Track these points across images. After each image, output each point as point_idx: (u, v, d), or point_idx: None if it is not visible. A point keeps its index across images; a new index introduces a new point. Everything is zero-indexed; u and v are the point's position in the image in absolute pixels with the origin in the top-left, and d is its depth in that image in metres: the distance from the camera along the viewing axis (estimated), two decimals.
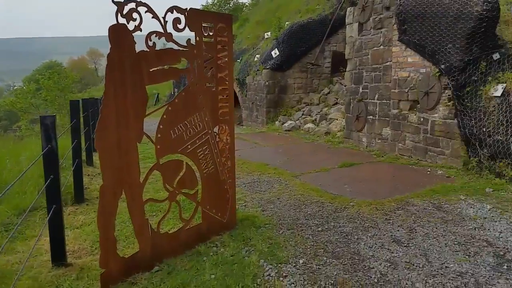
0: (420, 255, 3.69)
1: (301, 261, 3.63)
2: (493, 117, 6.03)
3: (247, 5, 37.89)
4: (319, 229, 4.42)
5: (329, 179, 6.56)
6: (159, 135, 3.62)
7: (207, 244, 3.99)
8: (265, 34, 16.89)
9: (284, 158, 8.38)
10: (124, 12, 3.17)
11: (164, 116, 3.66)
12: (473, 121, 6.21)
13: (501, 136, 5.75)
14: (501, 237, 3.95)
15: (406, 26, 7.42)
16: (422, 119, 7.22)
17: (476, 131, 6.10)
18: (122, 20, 3.14)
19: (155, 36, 3.46)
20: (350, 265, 3.56)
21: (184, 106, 3.83)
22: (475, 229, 4.20)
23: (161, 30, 3.46)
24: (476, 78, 6.41)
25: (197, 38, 3.87)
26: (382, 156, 8.02)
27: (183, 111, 3.81)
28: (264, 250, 3.84)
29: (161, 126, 3.64)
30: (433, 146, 6.97)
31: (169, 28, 3.53)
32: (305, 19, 14.77)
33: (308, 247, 3.95)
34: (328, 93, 13.74)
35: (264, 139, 11.36)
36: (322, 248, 3.90)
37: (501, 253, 3.64)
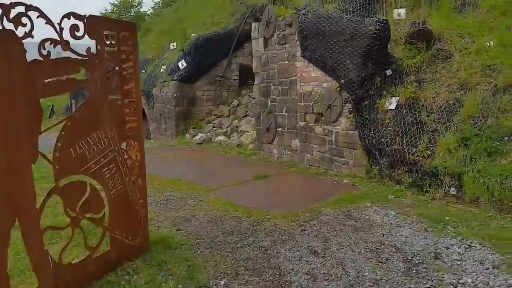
0: (337, 264, 3.87)
1: (222, 283, 3.56)
2: (389, 128, 6.63)
3: (149, 15, 36.93)
4: (238, 245, 4.40)
5: (244, 192, 6.60)
6: (57, 154, 3.27)
7: (118, 273, 3.71)
8: (171, 44, 16.57)
9: (197, 172, 8.24)
10: (11, 16, 2.83)
11: (63, 133, 3.33)
12: (372, 132, 6.76)
13: (397, 146, 6.33)
14: (407, 242, 4.31)
15: (308, 43, 7.85)
16: (327, 130, 7.66)
17: (376, 142, 6.64)
18: (9, 25, 2.81)
19: (50, 44, 3.15)
20: (272, 281, 3.59)
21: (86, 121, 3.53)
22: (383, 235, 4.53)
23: (57, 38, 3.17)
24: (372, 92, 7.00)
25: (98, 47, 3.62)
26: (293, 167, 8.33)
27: (85, 126, 3.52)
28: (182, 274, 3.69)
29: (59, 144, 3.29)
30: (338, 156, 7.43)
31: (67, 36, 3.26)
32: (211, 32, 14.83)
33: (229, 266, 3.90)
34: (238, 105, 13.93)
35: (174, 153, 11.07)
36: (243, 266, 3.88)
37: (409, 257, 3.97)
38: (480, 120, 5.81)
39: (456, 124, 5.98)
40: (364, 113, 6.98)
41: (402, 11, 7.69)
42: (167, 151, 11.35)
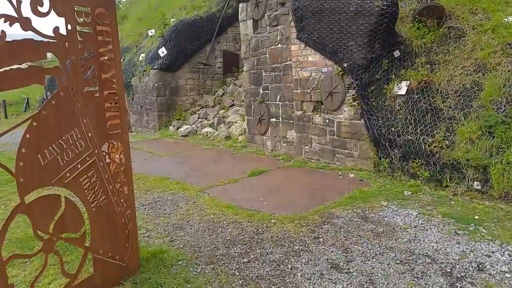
0: (366, 282, 3.21)
1: None
2: (400, 115, 5.99)
3: (123, 2, 35.41)
4: (245, 259, 3.71)
5: (241, 191, 5.89)
6: (21, 163, 2.55)
7: None
8: (149, 31, 15.55)
9: (186, 169, 7.48)
10: None
11: (27, 136, 2.59)
12: (380, 121, 6.11)
13: (411, 136, 5.70)
14: (440, 250, 3.69)
15: (304, 23, 7.11)
16: (327, 120, 6.98)
17: (385, 131, 6.00)
18: None
19: (4, 22, 2.37)
20: None
21: (56, 120, 2.78)
22: (410, 241, 3.90)
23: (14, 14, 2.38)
24: (379, 77, 6.34)
25: (69, 27, 2.84)
26: (290, 161, 7.64)
27: (55, 126, 2.77)
28: None
29: (23, 150, 2.56)
30: (341, 148, 6.77)
31: (28, 12, 2.47)
32: (191, 16, 13.91)
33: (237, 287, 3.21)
34: (223, 94, 13.13)
35: (159, 147, 10.25)
36: None
37: (448, 269, 3.34)
38: (504, 105, 5.22)
39: (476, 110, 5.38)
40: (371, 99, 6.32)
41: None
42: (152, 145, 10.52)
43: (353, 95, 6.52)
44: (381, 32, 6.11)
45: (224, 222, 4.62)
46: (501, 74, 5.53)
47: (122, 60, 16.22)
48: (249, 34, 8.63)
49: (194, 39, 13.51)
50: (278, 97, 8.03)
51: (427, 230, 4.13)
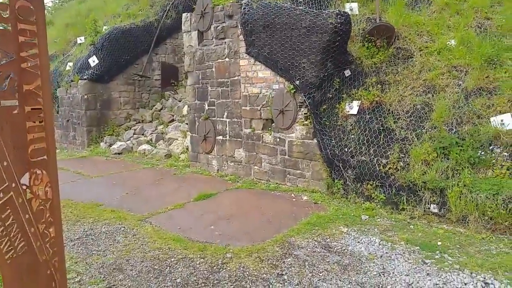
0: None
1: None
2: (353, 135, 5.84)
3: (48, 8, 33.03)
4: None
5: (189, 219, 5.32)
6: None
7: None
8: (78, 38, 14.39)
9: (122, 193, 6.72)
10: None
11: None
12: (333, 141, 5.92)
13: (364, 156, 5.55)
14: (413, 284, 3.44)
15: (254, 38, 6.80)
16: (278, 139, 6.67)
17: (338, 152, 5.81)
18: None
19: None
20: None
21: None
22: (380, 274, 3.62)
23: None
24: (331, 95, 6.18)
25: None
26: (238, 181, 7.20)
27: None
28: None
29: None
30: (293, 168, 6.48)
31: None
32: (127, 24, 13.08)
33: None
34: (161, 109, 12.40)
35: (89, 166, 9.27)
36: None
37: None
38: (455, 127, 5.25)
39: (429, 130, 5.37)
40: (323, 119, 6.12)
41: (355, 5, 7.00)
42: (80, 164, 9.50)
43: (305, 113, 6.28)
44: (334, 50, 5.95)
45: (173, 260, 4.04)
46: (450, 95, 5.60)
47: None
48: (193, 46, 8.13)
49: (130, 48, 12.69)
50: (226, 113, 7.60)
51: (393, 260, 3.90)
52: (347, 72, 6.26)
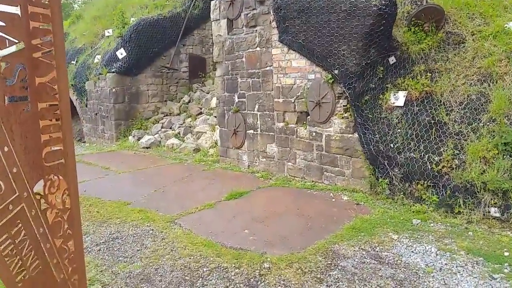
0: None
1: None
2: (399, 130, 5.29)
3: (78, 2, 33.41)
4: None
5: (221, 220, 4.95)
6: None
7: None
8: (106, 31, 14.27)
9: (150, 191, 6.43)
10: None
11: None
12: (377, 136, 5.39)
13: (414, 153, 5.01)
14: None
15: (287, 24, 6.31)
16: (314, 133, 6.19)
17: (383, 148, 5.28)
18: None
19: None
20: None
21: None
22: None
23: None
24: (374, 85, 5.63)
25: None
26: (270, 179, 6.78)
27: None
28: None
29: None
30: (331, 165, 6.00)
31: None
32: (154, 15, 12.80)
33: None
34: (189, 101, 12.09)
35: (117, 161, 9.08)
36: None
37: None
38: None
39: (486, 124, 4.77)
40: (365, 111, 5.59)
41: None
42: (108, 159, 9.32)
43: (344, 105, 5.78)
44: (377, 35, 5.40)
45: (205, 269, 3.67)
46: (510, 84, 4.96)
47: (75, 62, 14.82)
48: (222, 35, 7.72)
49: (157, 40, 12.42)
50: (257, 106, 7.17)
51: (455, 274, 3.39)
52: (392, 60, 5.69)
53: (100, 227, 4.95)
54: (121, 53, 11.99)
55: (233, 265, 3.73)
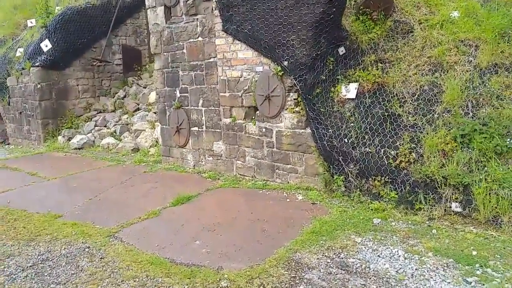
0: None
1: None
2: (352, 123, 5.07)
3: None
4: None
5: (167, 231, 4.43)
6: None
7: None
8: (28, 21, 12.86)
9: (84, 199, 5.72)
10: None
11: None
12: (330, 130, 5.13)
13: (369, 148, 4.80)
14: None
15: (232, 12, 5.84)
16: (264, 129, 5.82)
17: (337, 143, 5.03)
18: None
19: None
20: None
21: None
22: None
23: None
24: (324, 77, 5.35)
25: None
26: (219, 179, 6.32)
27: None
28: None
29: None
30: (283, 162, 5.67)
31: None
32: (82, 4, 11.68)
33: None
34: (125, 96, 11.22)
35: (46, 165, 8.13)
36: None
37: None
38: (471, 110, 4.57)
39: (442, 115, 4.66)
40: (317, 105, 5.30)
41: None
42: (35, 163, 8.35)
43: (295, 99, 5.45)
44: (327, 24, 5.11)
45: None
46: (461, 74, 4.90)
47: None
48: (160, 24, 7.06)
49: (86, 31, 11.36)
50: (201, 101, 6.65)
51: (428, 280, 3.17)
52: (342, 50, 5.44)
53: (27, 246, 4.24)
54: (46, 45, 10.81)
55: (186, 284, 3.26)
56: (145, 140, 8.58)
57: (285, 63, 5.36)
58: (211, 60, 6.35)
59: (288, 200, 5.16)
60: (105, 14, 11.76)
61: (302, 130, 5.41)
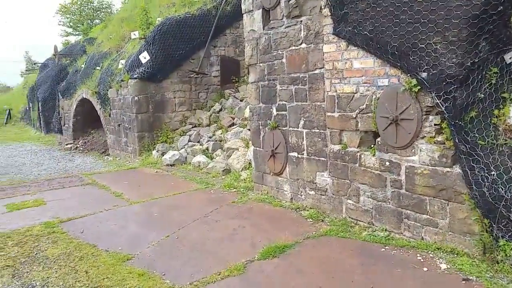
0: None
1: None
2: None
3: (114, 6, 33.14)
4: None
5: None
6: None
7: None
8: (132, 33, 12.96)
9: (160, 236, 4.85)
10: None
11: None
12: (494, 173, 3.49)
13: None
14: None
15: (347, 10, 4.52)
16: (388, 163, 4.35)
17: (505, 191, 3.38)
18: None
19: None
20: None
21: None
22: None
23: None
24: (483, 95, 3.72)
25: None
26: (322, 220, 4.99)
27: None
28: None
29: None
30: (415, 210, 4.14)
31: None
32: (181, 14, 11.33)
33: None
34: (220, 110, 10.52)
35: (134, 184, 7.63)
36: None
37: None
38: None
39: None
40: (472, 134, 3.70)
41: None
42: (124, 181, 7.92)
43: (436, 124, 3.91)
44: (491, 20, 3.51)
45: None
46: None
47: (99, 67, 13.69)
48: (256, 31, 6.01)
49: (184, 42, 10.95)
50: (302, 121, 5.41)
51: None
52: (510, 57, 3.76)
53: None
54: (144, 57, 10.61)
55: None
56: (237, 161, 7.61)
57: (424, 74, 3.86)
58: (317, 71, 5.08)
59: (425, 269, 3.62)
60: (204, 24, 11.28)
61: (447, 169, 3.83)
